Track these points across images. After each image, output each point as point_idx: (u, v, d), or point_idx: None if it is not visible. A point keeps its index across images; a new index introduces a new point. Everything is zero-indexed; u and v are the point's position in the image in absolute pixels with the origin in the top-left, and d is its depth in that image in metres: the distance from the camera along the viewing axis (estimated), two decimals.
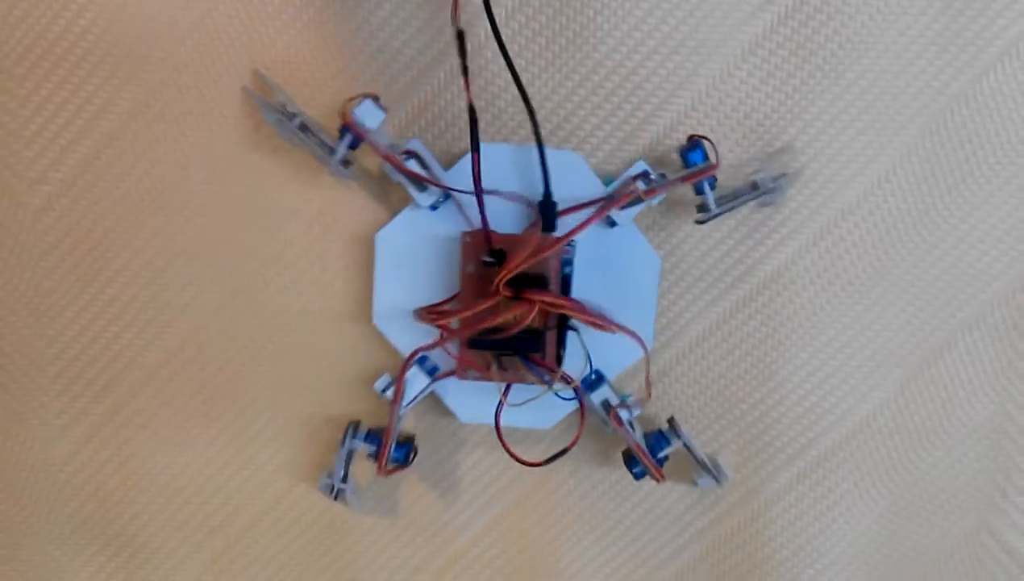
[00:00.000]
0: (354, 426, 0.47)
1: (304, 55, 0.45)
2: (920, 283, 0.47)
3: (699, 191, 0.43)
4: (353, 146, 0.42)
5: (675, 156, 0.44)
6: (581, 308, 0.41)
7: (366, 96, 0.42)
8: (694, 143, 0.43)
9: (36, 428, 0.49)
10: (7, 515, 0.50)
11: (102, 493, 0.50)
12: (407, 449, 0.46)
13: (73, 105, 0.45)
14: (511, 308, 0.40)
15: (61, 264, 0.47)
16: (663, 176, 0.43)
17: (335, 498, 0.46)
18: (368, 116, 0.41)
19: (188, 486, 0.50)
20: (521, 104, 0.41)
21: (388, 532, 0.50)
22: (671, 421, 0.46)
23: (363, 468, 0.49)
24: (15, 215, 0.47)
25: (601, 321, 0.42)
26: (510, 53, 0.41)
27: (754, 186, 0.43)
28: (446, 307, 0.44)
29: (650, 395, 0.46)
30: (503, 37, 0.41)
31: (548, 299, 0.40)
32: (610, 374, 0.46)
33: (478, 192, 0.41)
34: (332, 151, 0.42)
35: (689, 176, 0.42)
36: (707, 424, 0.49)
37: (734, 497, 0.49)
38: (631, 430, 0.44)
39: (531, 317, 0.40)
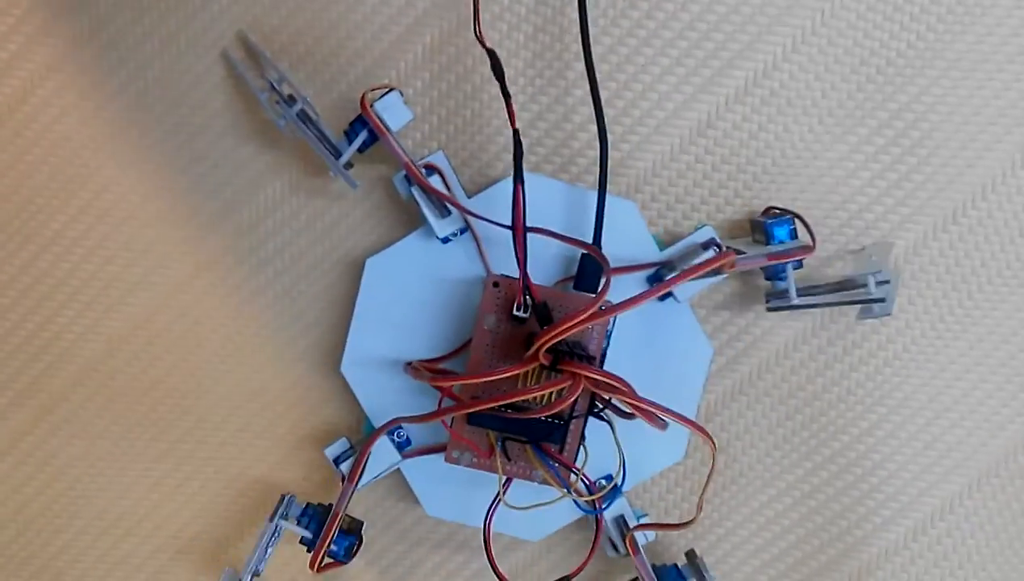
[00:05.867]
0: (287, 500, 0.43)
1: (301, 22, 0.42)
2: None
3: (777, 274, 0.39)
4: (364, 147, 0.39)
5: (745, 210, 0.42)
6: (635, 394, 0.36)
7: (391, 88, 0.39)
8: (780, 218, 0.39)
9: None
10: None
11: (22, 519, 0.47)
12: (351, 542, 0.41)
13: (0, 30, 0.43)
14: (547, 383, 0.35)
15: None
16: (733, 249, 0.39)
17: None
18: (392, 113, 0.38)
19: (131, 513, 0.47)
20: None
21: None
22: (690, 555, 0.42)
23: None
24: None
25: (658, 413, 0.36)
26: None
27: (844, 285, 0.39)
28: (446, 367, 0.41)
29: (699, 515, 0.39)
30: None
31: (597, 376, 0.35)
32: (628, 483, 0.42)
33: (519, 230, 0.37)
34: (337, 152, 0.39)
35: (778, 255, 0.38)
36: (786, 467, 0.45)
37: (828, 555, 0.45)
38: (646, 561, 0.40)
39: (572, 399, 0.35)
